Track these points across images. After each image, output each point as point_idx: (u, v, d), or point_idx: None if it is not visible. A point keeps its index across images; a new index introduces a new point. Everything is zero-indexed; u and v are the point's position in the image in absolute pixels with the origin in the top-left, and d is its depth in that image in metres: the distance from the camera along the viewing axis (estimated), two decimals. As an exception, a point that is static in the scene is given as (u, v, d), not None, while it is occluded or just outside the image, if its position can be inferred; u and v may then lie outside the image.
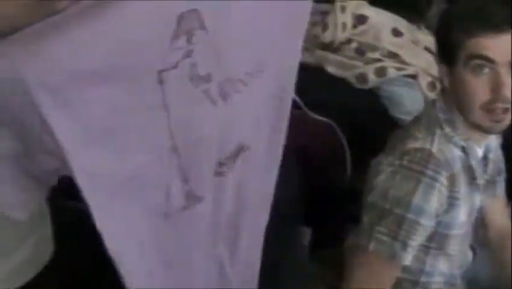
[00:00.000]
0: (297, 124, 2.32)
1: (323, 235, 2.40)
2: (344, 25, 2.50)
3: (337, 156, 2.41)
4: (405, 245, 1.54)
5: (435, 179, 1.53)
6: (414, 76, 2.50)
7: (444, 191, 1.55)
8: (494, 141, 1.74)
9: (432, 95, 2.47)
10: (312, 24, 2.57)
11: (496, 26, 1.49)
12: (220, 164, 1.20)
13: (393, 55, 2.50)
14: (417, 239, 1.56)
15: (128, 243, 1.15)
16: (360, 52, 2.51)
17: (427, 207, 1.53)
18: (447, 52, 1.56)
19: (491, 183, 1.76)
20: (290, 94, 1.32)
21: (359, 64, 2.50)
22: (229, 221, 1.28)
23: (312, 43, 2.54)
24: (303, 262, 1.85)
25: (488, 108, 1.52)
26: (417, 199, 1.51)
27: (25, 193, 1.10)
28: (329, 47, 2.53)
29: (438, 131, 1.58)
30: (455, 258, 1.72)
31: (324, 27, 2.51)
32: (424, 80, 2.51)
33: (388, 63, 2.49)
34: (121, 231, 1.12)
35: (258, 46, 1.19)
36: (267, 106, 1.28)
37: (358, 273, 1.61)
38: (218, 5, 1.09)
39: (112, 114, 1.02)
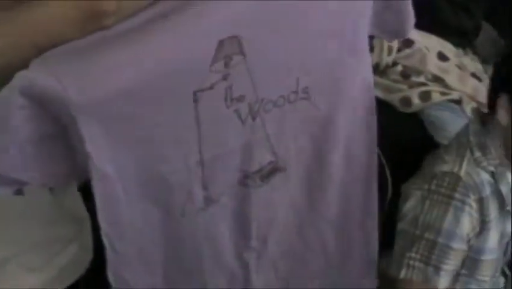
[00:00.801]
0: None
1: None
2: (390, 48, 2.51)
3: (379, 180, 2.40)
4: (438, 269, 1.55)
5: (464, 202, 1.54)
6: (458, 101, 2.49)
7: (475, 214, 1.55)
8: None
9: (476, 121, 2.45)
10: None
11: None
12: (246, 176, 1.23)
13: (438, 79, 2.49)
14: (451, 263, 1.56)
15: (139, 240, 1.20)
16: (405, 75, 2.51)
17: (458, 230, 1.53)
18: None
19: None
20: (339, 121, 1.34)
21: (403, 87, 2.50)
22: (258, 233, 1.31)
23: (357, 65, 2.54)
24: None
25: None
26: (447, 223, 1.52)
27: None
28: (374, 70, 2.53)
29: (468, 154, 1.58)
30: (485, 285, 1.71)
31: (370, 50, 2.51)
32: (468, 106, 2.50)
33: (433, 87, 2.48)
34: (132, 229, 1.18)
35: (298, 72, 1.22)
36: (308, 130, 1.31)
37: None
38: (258, 33, 1.12)
39: (146, 129, 1.06)
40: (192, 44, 1.06)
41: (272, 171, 1.29)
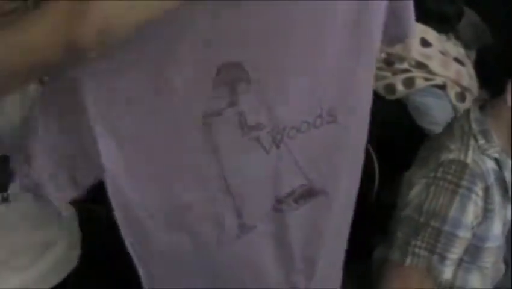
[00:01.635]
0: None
1: (350, 247, 2.40)
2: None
3: (366, 168, 2.41)
4: (443, 258, 1.53)
5: (471, 190, 1.52)
6: (442, 87, 2.49)
7: (480, 202, 1.54)
8: None
9: (460, 105, 2.46)
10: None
11: None
12: (279, 201, 1.22)
13: (421, 65, 2.50)
14: (455, 252, 1.55)
15: (173, 269, 1.20)
16: (388, 62, 2.51)
17: (464, 219, 1.52)
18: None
19: None
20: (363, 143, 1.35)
21: (387, 74, 2.50)
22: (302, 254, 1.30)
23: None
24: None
25: None
26: (453, 211, 1.50)
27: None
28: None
29: (472, 142, 1.57)
30: (487, 272, 1.70)
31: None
32: (452, 91, 2.51)
33: (417, 73, 2.49)
34: (166, 262, 1.18)
35: (318, 95, 1.21)
36: (340, 149, 1.29)
37: (395, 287, 1.58)
38: (265, 58, 1.11)
39: (160, 152, 1.07)
40: (194, 65, 1.05)
41: (306, 194, 1.26)
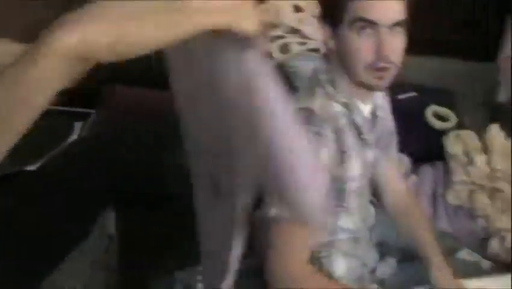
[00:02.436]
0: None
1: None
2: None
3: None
4: None
5: (319, 134, 1.54)
6: (317, 50, 2.52)
7: (332, 144, 1.56)
8: (380, 99, 1.75)
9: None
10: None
11: None
12: None
13: (295, 31, 2.52)
14: None
15: None
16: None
17: (318, 160, 1.51)
18: (332, 15, 1.58)
19: (383, 141, 1.77)
20: None
21: (263, 42, 2.51)
22: None
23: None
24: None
25: (372, 67, 1.53)
26: None
27: None
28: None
29: (319, 90, 1.60)
30: (354, 212, 1.71)
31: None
32: (327, 53, 2.53)
33: (291, 39, 2.51)
34: None
35: None
36: None
37: (276, 244, 1.56)
38: None
39: None
40: None
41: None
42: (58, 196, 1.46)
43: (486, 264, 2.26)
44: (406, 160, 2.57)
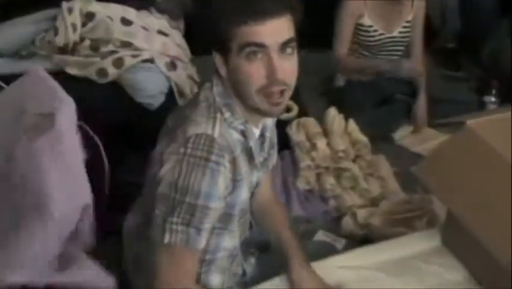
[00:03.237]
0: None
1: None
2: (74, 26, 2.52)
3: (93, 155, 2.39)
4: (199, 230, 1.53)
5: (219, 164, 1.51)
6: (150, 60, 2.53)
7: (228, 174, 1.55)
8: (270, 120, 1.75)
9: (173, 74, 2.52)
10: (45, 31, 2.58)
11: (260, 12, 1.48)
12: None
13: (127, 44, 2.53)
14: (210, 222, 1.55)
15: None
16: (94, 48, 2.53)
17: (215, 191, 1.51)
18: (220, 43, 1.54)
19: (266, 159, 1.78)
20: None
21: (96, 60, 2.52)
22: None
23: (48, 49, 2.54)
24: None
25: (265, 92, 1.52)
26: (205, 186, 1.49)
27: None
28: (65, 50, 2.53)
29: (218, 116, 1.57)
30: (236, 233, 1.73)
31: (56, 31, 2.51)
32: (161, 62, 2.56)
33: (124, 53, 2.51)
34: None
35: None
36: None
37: (161, 266, 1.57)
38: None
39: None
40: None
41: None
42: None
43: (341, 242, 2.35)
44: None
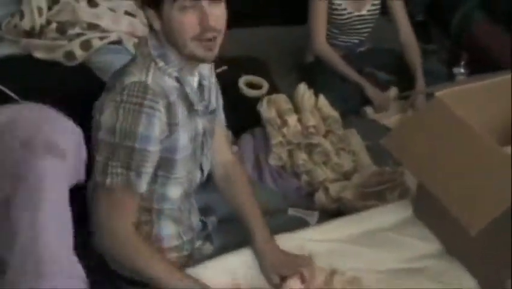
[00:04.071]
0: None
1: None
2: (39, 9, 2.49)
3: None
4: (139, 173, 1.62)
5: (153, 108, 1.60)
6: (118, 42, 2.52)
7: (163, 118, 1.63)
8: (206, 70, 1.82)
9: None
10: (11, 15, 2.55)
11: None
12: None
13: (94, 26, 2.51)
14: (149, 166, 1.64)
15: None
16: (61, 31, 2.51)
17: (152, 134, 1.60)
18: None
19: (207, 107, 1.82)
20: None
21: (63, 43, 2.50)
22: None
23: (14, 33, 2.51)
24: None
25: (200, 38, 1.61)
26: (141, 129, 1.59)
27: None
28: (31, 33, 2.50)
29: (152, 65, 1.66)
30: (182, 181, 1.78)
31: (22, 15, 2.49)
32: (129, 43, 2.54)
33: (91, 35, 2.50)
34: None
35: None
36: None
37: (102, 209, 1.66)
38: None
39: None
40: None
41: None
42: None
43: (314, 216, 2.37)
44: (228, 133, 2.64)
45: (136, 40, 2.52)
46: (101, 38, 2.48)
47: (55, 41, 2.50)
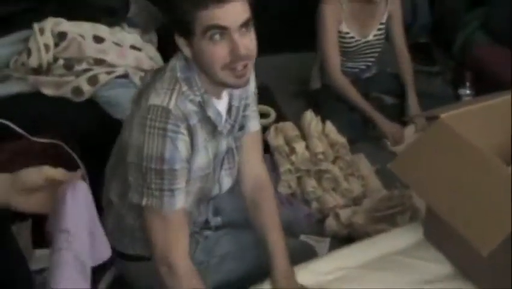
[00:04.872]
0: (24, 153, 2.31)
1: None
2: (46, 46, 2.52)
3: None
4: (172, 192, 1.67)
5: (176, 132, 1.65)
6: (125, 76, 2.54)
7: (187, 138, 1.68)
8: (237, 90, 1.83)
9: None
10: (18, 53, 2.58)
11: None
12: None
13: (100, 61, 2.54)
14: (181, 181, 1.69)
15: None
16: (68, 67, 2.53)
17: (177, 155, 1.65)
18: (183, 28, 1.66)
19: (233, 126, 1.85)
20: None
21: (71, 79, 2.52)
22: None
23: (22, 71, 2.54)
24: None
25: (230, 67, 1.64)
26: (167, 153, 1.64)
27: None
28: (39, 70, 2.53)
29: (177, 88, 1.69)
30: (195, 192, 1.82)
31: (29, 53, 2.52)
32: (136, 76, 2.57)
33: (98, 70, 2.52)
34: None
35: None
36: None
37: (152, 232, 1.72)
38: None
39: None
40: None
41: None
42: None
43: (325, 243, 2.37)
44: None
45: (142, 74, 2.54)
46: (108, 73, 2.50)
47: (62, 78, 2.52)
